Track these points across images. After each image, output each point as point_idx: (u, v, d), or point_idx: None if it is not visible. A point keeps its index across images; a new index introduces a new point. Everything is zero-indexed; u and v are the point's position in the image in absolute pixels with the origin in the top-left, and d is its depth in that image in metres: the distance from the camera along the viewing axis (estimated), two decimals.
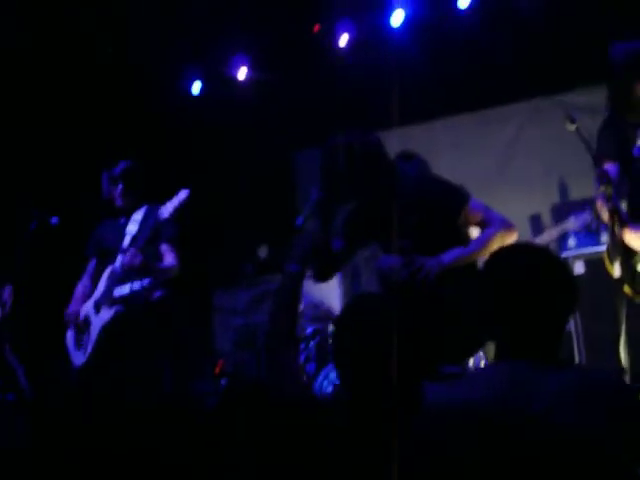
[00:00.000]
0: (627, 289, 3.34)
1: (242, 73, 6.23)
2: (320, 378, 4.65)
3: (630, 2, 5.07)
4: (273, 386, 2.09)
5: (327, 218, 3.07)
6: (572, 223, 4.73)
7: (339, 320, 2.05)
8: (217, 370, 5.92)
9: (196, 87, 6.38)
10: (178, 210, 4.00)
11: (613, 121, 3.44)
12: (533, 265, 1.94)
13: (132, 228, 4.27)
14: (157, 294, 4.20)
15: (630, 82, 3.30)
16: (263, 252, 6.13)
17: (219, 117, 6.29)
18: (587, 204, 4.57)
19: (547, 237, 4.87)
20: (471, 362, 3.40)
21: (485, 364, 3.45)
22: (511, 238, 3.02)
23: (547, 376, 1.83)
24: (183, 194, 4.01)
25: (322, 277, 3.28)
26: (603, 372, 2.13)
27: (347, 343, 1.91)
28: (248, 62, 6.17)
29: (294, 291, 2.36)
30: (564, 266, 2.00)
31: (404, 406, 1.76)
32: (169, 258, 4.23)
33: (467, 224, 3.22)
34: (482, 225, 3.17)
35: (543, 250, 2.04)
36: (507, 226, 3.16)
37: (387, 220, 3.06)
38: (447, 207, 3.12)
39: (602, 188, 3.00)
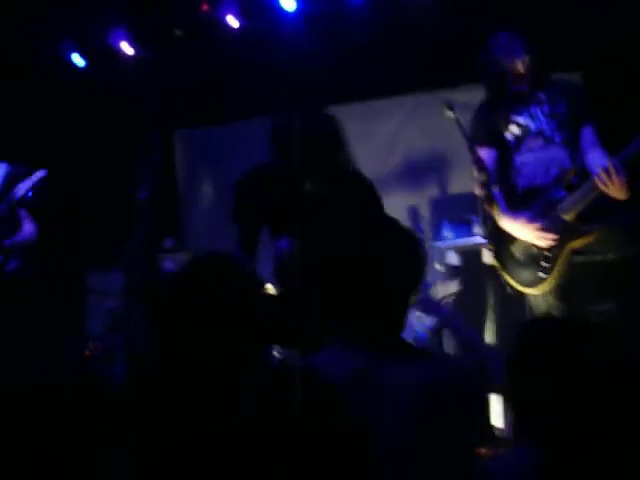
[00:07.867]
0: (505, 276, 3.40)
1: (127, 48, 6.03)
2: None
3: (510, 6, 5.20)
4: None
5: None
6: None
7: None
8: (88, 353, 5.74)
9: (78, 60, 6.12)
10: (33, 190, 3.92)
11: (487, 108, 3.52)
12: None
13: None
14: (12, 265, 4.04)
15: (505, 65, 3.40)
16: None
17: (101, 91, 6.07)
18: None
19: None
20: None
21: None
22: None
23: (388, 370, 1.70)
24: (39, 174, 3.96)
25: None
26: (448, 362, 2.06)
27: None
28: (132, 37, 5.98)
29: (146, 216, 2.35)
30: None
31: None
32: (27, 227, 4.10)
33: None
34: None
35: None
36: None
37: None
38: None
39: (476, 175, 3.06)
